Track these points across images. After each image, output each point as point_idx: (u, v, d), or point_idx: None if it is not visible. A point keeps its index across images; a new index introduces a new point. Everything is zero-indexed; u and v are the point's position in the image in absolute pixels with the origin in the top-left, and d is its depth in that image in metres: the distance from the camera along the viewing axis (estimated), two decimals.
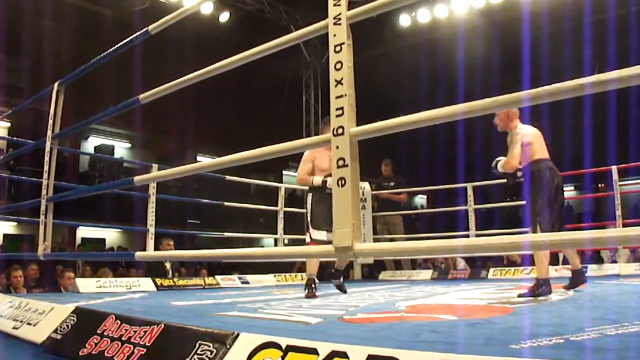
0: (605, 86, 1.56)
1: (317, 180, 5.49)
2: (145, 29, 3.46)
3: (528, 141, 4.78)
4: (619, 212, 7.66)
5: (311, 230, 5.56)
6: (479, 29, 14.05)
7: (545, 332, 2.37)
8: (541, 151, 4.81)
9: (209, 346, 2.04)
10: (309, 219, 5.62)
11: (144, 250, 6.86)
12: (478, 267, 10.30)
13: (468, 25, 13.78)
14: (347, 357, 1.67)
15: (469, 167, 13.34)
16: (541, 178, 4.68)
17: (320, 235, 5.43)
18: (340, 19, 1.97)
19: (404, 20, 14.36)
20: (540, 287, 4.49)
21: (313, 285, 5.51)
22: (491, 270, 9.01)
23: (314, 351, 1.75)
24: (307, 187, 5.65)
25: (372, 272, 9.87)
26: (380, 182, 9.72)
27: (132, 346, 2.31)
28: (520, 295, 4.52)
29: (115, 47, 3.76)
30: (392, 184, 9.55)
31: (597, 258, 9.96)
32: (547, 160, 4.80)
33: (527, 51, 12.83)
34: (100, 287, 6.23)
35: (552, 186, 4.67)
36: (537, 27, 13.06)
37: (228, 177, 8.45)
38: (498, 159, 4.95)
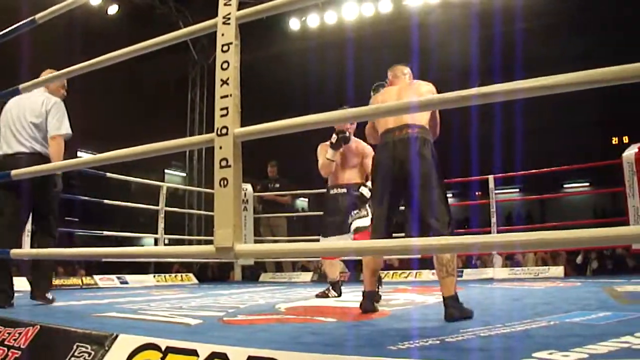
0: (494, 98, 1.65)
1: (329, 153, 4.82)
2: (31, 18, 3.29)
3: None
4: (494, 219, 8.07)
5: (321, 239, 5.04)
6: (367, 37, 14.34)
7: (423, 334, 2.45)
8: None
9: (87, 348, 1.98)
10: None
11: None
12: (358, 270, 10.53)
13: (357, 33, 14.03)
14: (227, 359, 1.67)
15: None
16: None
17: None
18: (229, 18, 1.97)
19: (294, 24, 14.47)
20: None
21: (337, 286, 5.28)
22: None
23: (194, 352, 1.75)
24: None
25: (253, 273, 9.85)
26: (265, 183, 9.66)
27: (5, 349, 2.21)
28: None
29: None
30: (277, 185, 9.52)
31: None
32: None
33: (416, 58, 13.21)
34: None
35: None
36: (425, 36, 13.47)
37: (109, 175, 8.15)
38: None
